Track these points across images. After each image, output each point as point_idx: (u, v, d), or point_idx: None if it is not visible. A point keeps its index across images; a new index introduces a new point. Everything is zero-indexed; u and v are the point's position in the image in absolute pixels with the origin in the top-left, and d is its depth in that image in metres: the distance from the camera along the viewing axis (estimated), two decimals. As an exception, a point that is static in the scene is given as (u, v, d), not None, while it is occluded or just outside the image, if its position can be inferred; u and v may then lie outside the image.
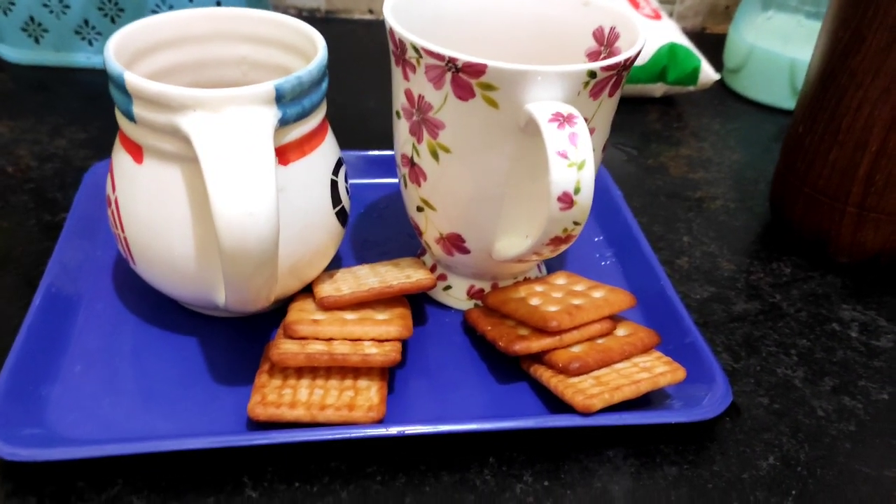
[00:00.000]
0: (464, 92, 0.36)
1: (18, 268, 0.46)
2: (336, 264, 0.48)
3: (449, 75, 0.36)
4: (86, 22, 0.65)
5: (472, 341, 0.43)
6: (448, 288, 0.46)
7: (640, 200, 0.57)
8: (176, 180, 0.37)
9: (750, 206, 0.57)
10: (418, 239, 0.46)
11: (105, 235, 0.47)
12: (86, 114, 0.61)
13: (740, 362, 0.44)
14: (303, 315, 0.41)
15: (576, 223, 0.35)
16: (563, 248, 0.37)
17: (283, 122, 0.37)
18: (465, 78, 0.36)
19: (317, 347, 0.39)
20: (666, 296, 0.45)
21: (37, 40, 0.66)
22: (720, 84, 0.72)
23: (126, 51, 0.39)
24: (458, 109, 0.37)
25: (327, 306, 0.41)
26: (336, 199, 0.41)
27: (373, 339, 0.40)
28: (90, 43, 0.66)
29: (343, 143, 0.44)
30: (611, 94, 0.38)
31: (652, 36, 0.66)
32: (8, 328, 0.41)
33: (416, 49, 0.36)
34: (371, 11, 0.83)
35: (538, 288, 0.44)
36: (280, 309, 0.43)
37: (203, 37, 0.43)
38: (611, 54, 0.42)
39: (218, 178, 0.33)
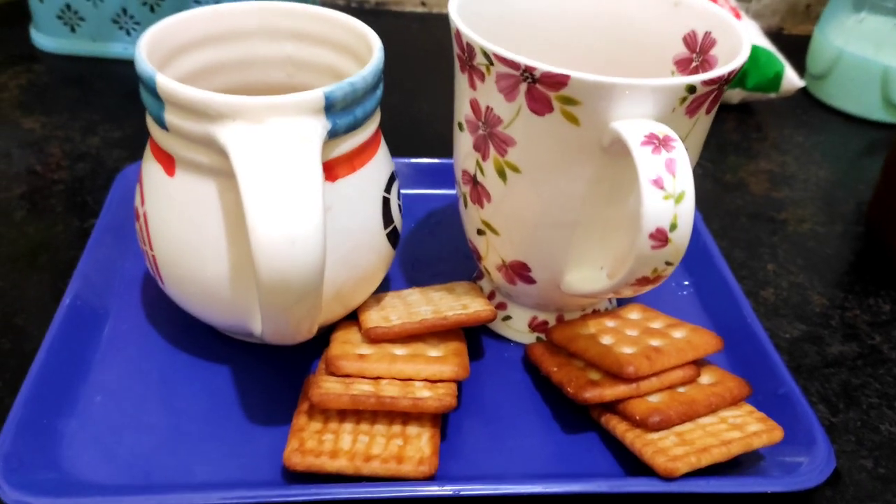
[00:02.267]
0: (540, 106, 0.31)
1: (42, 279, 0.43)
2: (384, 286, 0.43)
3: (524, 86, 0.31)
4: (124, 10, 0.61)
5: (535, 381, 0.39)
6: (508, 318, 0.41)
7: (719, 222, 0.52)
8: (211, 196, 0.33)
9: (841, 230, 0.52)
10: (475, 262, 0.42)
11: (136, 247, 0.44)
12: (121, 110, 0.57)
13: (838, 416, 0.39)
14: (347, 349, 0.36)
15: (668, 263, 0.30)
16: (649, 288, 0.32)
17: (333, 135, 0.32)
18: (542, 90, 0.31)
19: (363, 388, 0.34)
20: (754, 336, 0.40)
21: (73, 29, 0.62)
22: (803, 91, 0.66)
23: (161, 48, 0.35)
24: (532, 125, 0.32)
25: (374, 339, 0.37)
26: (388, 218, 0.37)
27: (425, 380, 0.35)
28: (128, 33, 0.62)
29: (392, 151, 0.39)
30: (708, 111, 0.33)
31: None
32: (27, 348, 0.38)
33: (486, 55, 0.32)
34: (423, 4, 0.78)
35: (609, 323, 0.39)
36: (322, 336, 0.38)
37: (247, 33, 0.39)
38: (704, 63, 0.37)
39: (257, 200, 0.29)
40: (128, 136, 0.55)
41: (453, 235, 0.47)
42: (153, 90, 0.32)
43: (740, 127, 0.63)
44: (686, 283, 0.45)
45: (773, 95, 0.63)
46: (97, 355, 0.38)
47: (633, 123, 0.30)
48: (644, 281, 0.31)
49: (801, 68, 0.67)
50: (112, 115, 0.57)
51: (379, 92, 0.35)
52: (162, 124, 0.32)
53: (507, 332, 0.41)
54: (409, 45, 0.71)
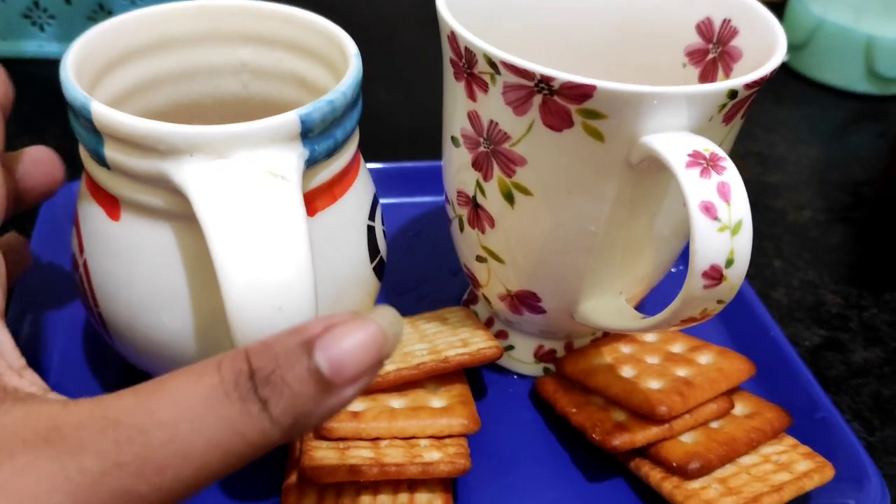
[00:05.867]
0: (558, 120, 0.27)
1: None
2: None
3: (538, 99, 0.26)
4: (35, 3, 0.54)
5: (548, 420, 0.34)
6: (510, 348, 0.37)
7: (716, 215, 0.48)
8: (166, 243, 0.27)
9: (843, 216, 0.49)
10: (467, 281, 0.37)
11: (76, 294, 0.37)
12: (41, 120, 0.50)
13: (875, 434, 0.36)
14: (337, 405, 0.31)
15: (720, 302, 0.26)
16: (689, 326, 0.28)
17: (311, 163, 0.27)
18: (561, 103, 0.26)
19: (362, 455, 0.29)
20: (780, 350, 0.36)
21: (-23, 26, 0.55)
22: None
23: (91, 64, 0.29)
24: (547, 142, 0.27)
25: (369, 389, 0.32)
26: (374, 249, 0.32)
27: (431, 437, 0.31)
28: (42, 28, 0.55)
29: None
30: (743, 116, 0.29)
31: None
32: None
33: (492, 62, 0.27)
34: (370, -22, 0.72)
35: (625, 349, 0.35)
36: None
37: (192, 38, 0.32)
38: (724, 55, 0.33)
39: (232, 259, 0.23)
40: (52, 151, 0.48)
41: (436, 250, 0.42)
42: (88, 121, 0.26)
43: (722, 105, 0.59)
44: (694, 289, 0.41)
45: (752, 69, 0.59)
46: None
47: (672, 139, 0.26)
48: (689, 321, 0.27)
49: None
50: (31, 126, 0.50)
51: (359, 107, 0.30)
52: (101, 161, 0.27)
53: (510, 363, 0.37)
54: (357, 23, 0.65)
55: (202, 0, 0.32)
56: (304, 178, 0.27)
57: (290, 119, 0.26)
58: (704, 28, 0.33)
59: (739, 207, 0.24)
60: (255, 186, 0.24)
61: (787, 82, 0.62)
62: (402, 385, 0.32)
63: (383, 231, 0.33)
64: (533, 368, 0.36)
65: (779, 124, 0.57)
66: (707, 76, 0.33)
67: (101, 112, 0.25)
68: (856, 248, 0.46)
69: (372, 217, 0.32)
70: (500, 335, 0.37)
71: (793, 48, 0.63)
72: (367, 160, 0.44)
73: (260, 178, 0.25)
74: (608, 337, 0.36)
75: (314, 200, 0.29)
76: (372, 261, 0.32)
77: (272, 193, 0.25)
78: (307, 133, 0.26)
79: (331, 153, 0.28)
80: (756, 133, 0.56)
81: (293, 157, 0.26)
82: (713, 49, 0.33)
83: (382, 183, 0.45)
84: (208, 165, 0.25)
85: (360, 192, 0.31)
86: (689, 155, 0.25)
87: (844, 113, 0.59)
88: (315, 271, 0.25)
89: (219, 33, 0.33)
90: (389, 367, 0.32)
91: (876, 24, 0.58)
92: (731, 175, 0.25)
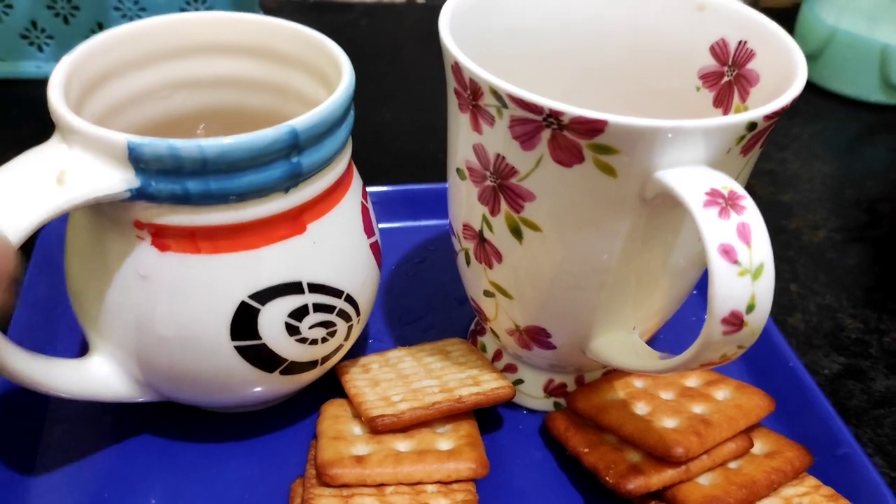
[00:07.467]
0: (568, 156, 0.25)
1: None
2: (362, 343, 0.37)
3: (547, 133, 0.25)
4: (34, 24, 0.53)
5: (559, 458, 0.33)
6: (519, 382, 0.35)
7: (730, 235, 0.47)
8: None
9: (859, 236, 0.47)
10: (473, 311, 0.36)
11: (65, 327, 0.36)
12: (39, 141, 0.49)
13: (900, 469, 0.34)
14: (340, 449, 0.30)
15: (740, 347, 0.25)
16: (709, 368, 0.26)
17: (145, 197, 0.25)
18: (571, 138, 0.25)
19: (366, 503, 0.28)
20: (799, 381, 0.35)
21: (-26, 47, 0.54)
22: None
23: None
24: (557, 177, 0.26)
25: (382, 429, 0.31)
26: (246, 331, 0.28)
27: (438, 482, 0.30)
28: (40, 49, 0.54)
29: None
30: (762, 145, 0.28)
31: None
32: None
33: (498, 95, 0.25)
34: (373, -8, 0.71)
35: (638, 383, 0.34)
36: (302, 407, 0.32)
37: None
38: (740, 78, 0.31)
39: None
40: (48, 176, 0.47)
41: (442, 278, 0.41)
42: None
43: (733, 119, 0.58)
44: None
45: (763, 82, 0.58)
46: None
47: (688, 175, 0.24)
48: (707, 364, 0.26)
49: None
50: (29, 147, 0.49)
51: (276, 171, 0.26)
52: None
53: (519, 397, 0.35)
54: (362, 44, 0.64)
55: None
56: (146, 209, 0.26)
57: (115, 138, 0.25)
58: (719, 50, 0.32)
59: (761, 250, 0.23)
60: (32, 176, 0.25)
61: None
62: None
63: (290, 325, 0.28)
64: (543, 403, 0.35)
65: (792, 140, 0.56)
66: (722, 100, 0.32)
67: (51, 87, 0.28)
68: (873, 269, 0.45)
69: (263, 300, 0.28)
70: (509, 369, 0.36)
71: (805, 58, 0.62)
72: (371, 183, 0.43)
73: (46, 172, 0.25)
74: (620, 370, 0.35)
75: (164, 237, 0.27)
76: (236, 339, 0.28)
77: (33, 188, 0.25)
78: (138, 163, 0.25)
79: (180, 200, 0.26)
80: (768, 150, 0.55)
81: (109, 177, 0.25)
82: (728, 72, 0.32)
83: (386, 207, 0.44)
84: (54, 146, 0.26)
85: (244, 266, 0.27)
86: (707, 193, 0.24)
87: (858, 125, 0.58)
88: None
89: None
90: (402, 405, 0.31)
91: (891, 33, 0.57)
92: (752, 215, 0.23)
